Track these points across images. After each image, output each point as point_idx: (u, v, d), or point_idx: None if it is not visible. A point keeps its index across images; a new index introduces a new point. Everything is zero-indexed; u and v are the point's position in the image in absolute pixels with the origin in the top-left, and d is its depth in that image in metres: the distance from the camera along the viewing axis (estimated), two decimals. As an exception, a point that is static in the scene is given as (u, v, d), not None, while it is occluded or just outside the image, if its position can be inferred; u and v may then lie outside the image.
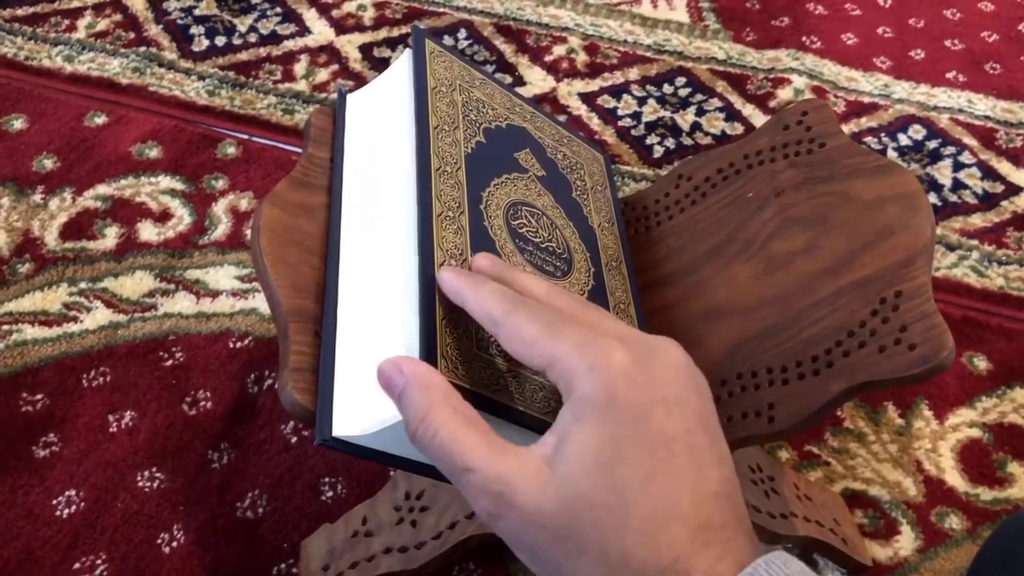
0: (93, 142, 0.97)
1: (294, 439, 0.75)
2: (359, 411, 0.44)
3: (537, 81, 1.08)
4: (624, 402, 0.32)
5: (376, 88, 0.59)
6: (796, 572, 0.31)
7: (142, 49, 1.08)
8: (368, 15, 1.15)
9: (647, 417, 0.32)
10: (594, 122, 1.03)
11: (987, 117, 1.05)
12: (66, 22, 1.11)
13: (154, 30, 1.11)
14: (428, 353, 0.41)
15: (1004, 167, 1.00)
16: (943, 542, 0.71)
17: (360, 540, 0.65)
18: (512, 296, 0.38)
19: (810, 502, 0.68)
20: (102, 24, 1.11)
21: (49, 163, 0.94)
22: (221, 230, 0.89)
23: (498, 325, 0.37)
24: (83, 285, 0.84)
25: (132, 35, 1.10)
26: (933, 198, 0.96)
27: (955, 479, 0.75)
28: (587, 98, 1.06)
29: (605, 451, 0.32)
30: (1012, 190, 0.98)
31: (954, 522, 0.72)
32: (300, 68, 1.08)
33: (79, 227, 0.89)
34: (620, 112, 1.04)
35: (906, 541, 0.71)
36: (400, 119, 0.55)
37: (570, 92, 1.06)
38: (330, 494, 0.72)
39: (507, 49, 1.12)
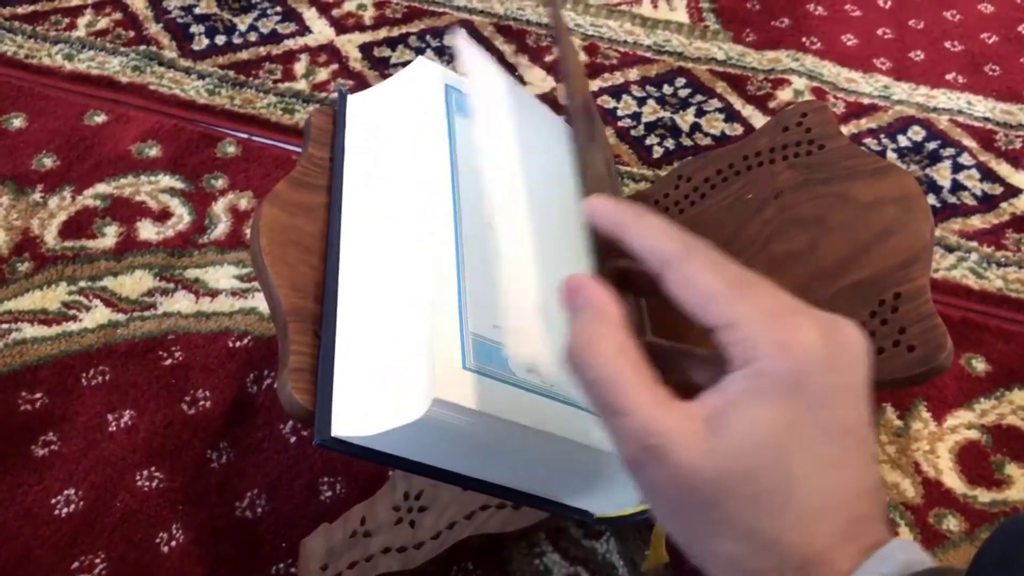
0: (93, 141, 0.97)
1: (293, 439, 0.75)
2: (358, 411, 0.44)
3: (537, 81, 1.08)
4: (812, 388, 0.31)
5: (384, 91, 0.59)
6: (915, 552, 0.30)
7: (142, 48, 1.08)
8: (368, 15, 1.15)
9: (830, 406, 0.31)
10: (594, 122, 1.03)
11: (986, 119, 1.05)
12: (66, 20, 1.11)
13: (154, 29, 1.11)
14: None
15: (1003, 169, 1.00)
16: (941, 543, 0.71)
17: (359, 540, 0.65)
18: (685, 236, 0.34)
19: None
20: (102, 23, 1.11)
21: (49, 162, 0.94)
22: (221, 229, 0.89)
23: (668, 266, 0.33)
24: (82, 284, 0.84)
25: (132, 34, 1.10)
26: (932, 199, 0.96)
27: (953, 481, 0.75)
28: (587, 98, 1.06)
29: (781, 433, 0.30)
30: (1011, 192, 0.98)
31: (952, 524, 0.72)
32: (300, 67, 1.08)
33: (79, 226, 0.89)
34: (620, 112, 1.04)
35: (903, 535, 0.71)
36: (425, 120, 0.54)
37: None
38: (329, 494, 0.72)
39: (507, 49, 1.12)
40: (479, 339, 0.45)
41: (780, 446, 0.30)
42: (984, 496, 0.74)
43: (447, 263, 0.47)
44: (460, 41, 0.52)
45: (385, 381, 0.45)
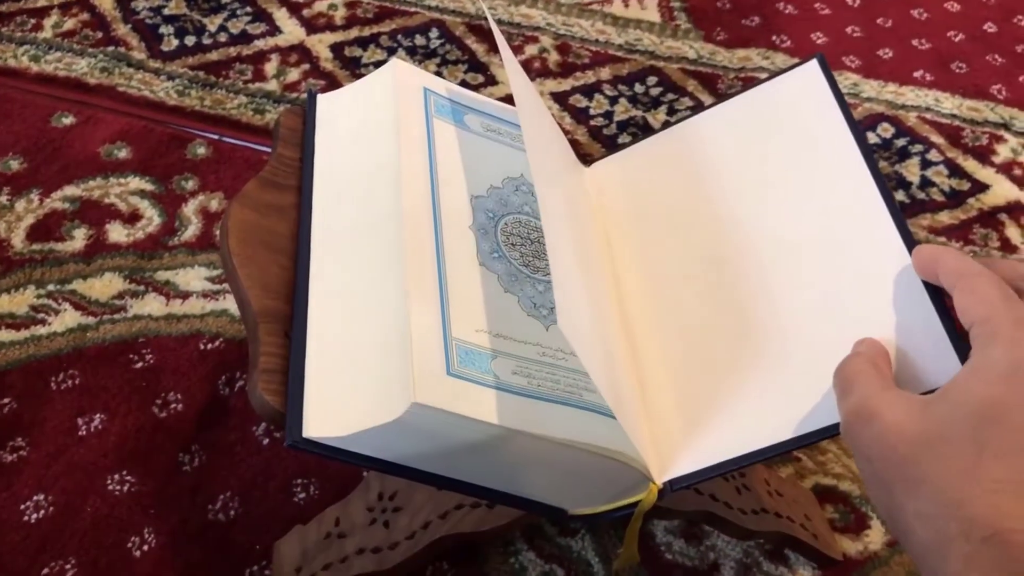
0: (61, 143, 0.96)
1: (266, 441, 0.74)
2: (329, 412, 0.44)
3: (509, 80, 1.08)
4: None
5: (356, 91, 0.59)
6: None
7: (110, 49, 1.07)
8: (339, 14, 1.15)
9: None
10: (566, 121, 1.03)
11: (954, 116, 1.06)
12: (32, 21, 1.10)
13: (122, 30, 1.10)
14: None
15: (970, 165, 1.01)
16: (912, 536, 0.72)
17: (333, 541, 0.65)
18: (983, 267, 0.40)
19: (781, 498, 0.69)
20: (69, 23, 1.10)
21: (15, 164, 0.93)
22: (191, 231, 0.89)
23: (963, 278, 0.40)
24: (51, 287, 0.83)
25: (100, 34, 1.09)
26: (901, 196, 0.97)
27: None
28: (559, 97, 1.06)
29: (989, 409, 0.34)
30: (978, 188, 0.99)
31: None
32: (271, 68, 1.07)
33: (47, 229, 0.88)
34: (592, 111, 1.05)
35: (876, 535, 0.72)
36: (388, 127, 0.54)
37: (542, 92, 1.06)
38: (303, 496, 0.72)
39: (479, 49, 1.12)
40: (462, 344, 0.45)
41: (982, 418, 0.34)
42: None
43: (427, 267, 0.47)
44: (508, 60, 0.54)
45: (359, 382, 0.45)
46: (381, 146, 0.54)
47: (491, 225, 0.52)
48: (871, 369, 0.40)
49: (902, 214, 0.48)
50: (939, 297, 0.44)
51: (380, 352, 0.45)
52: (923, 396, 0.37)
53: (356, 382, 0.44)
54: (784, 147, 0.55)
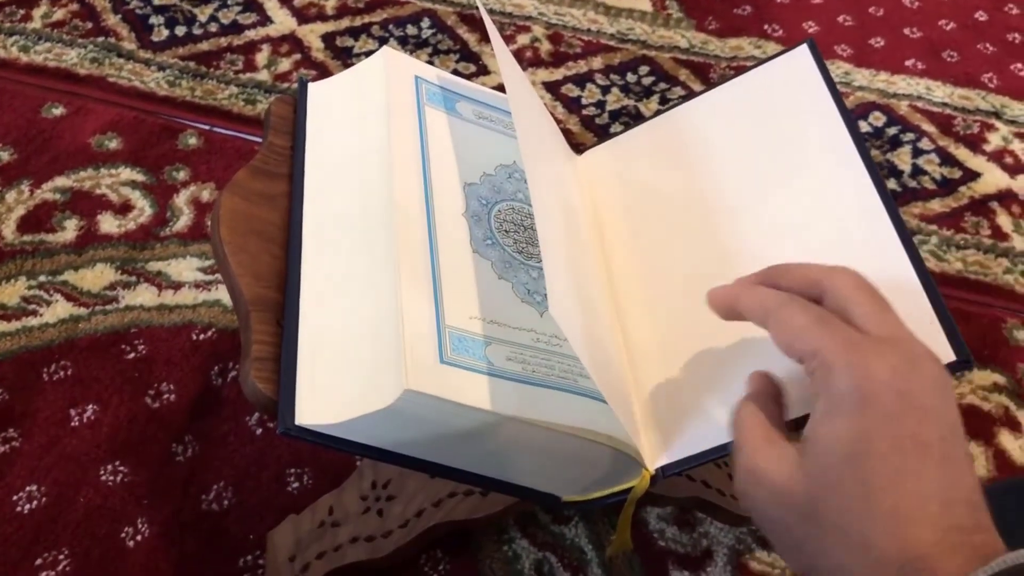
0: (51, 133, 0.95)
1: (259, 431, 0.74)
2: (322, 400, 0.44)
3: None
4: (880, 403, 0.33)
5: (347, 79, 0.59)
6: None
7: (100, 39, 1.07)
8: (330, 4, 1.14)
9: (901, 420, 0.33)
10: (558, 111, 1.03)
11: (945, 104, 1.07)
12: (21, 11, 1.09)
13: (112, 20, 1.10)
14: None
15: (962, 153, 1.01)
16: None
17: (327, 530, 0.65)
18: (785, 294, 0.39)
19: (773, 485, 0.69)
20: (59, 14, 1.10)
21: (6, 155, 0.93)
22: (183, 221, 0.88)
23: (769, 314, 0.39)
24: (42, 278, 0.83)
25: (90, 25, 1.09)
26: (893, 184, 0.98)
27: (915, 460, 0.76)
28: (551, 87, 1.06)
29: (856, 445, 0.33)
30: (969, 176, 0.99)
31: (914, 502, 0.73)
32: (262, 58, 1.07)
33: (37, 220, 0.88)
34: (584, 101, 1.05)
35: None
36: (378, 116, 0.54)
37: (534, 81, 1.06)
38: (296, 485, 0.72)
39: (471, 38, 1.11)
40: (455, 331, 0.45)
41: (855, 456, 0.33)
42: (945, 475, 0.75)
43: (419, 254, 0.47)
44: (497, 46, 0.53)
45: (351, 369, 0.45)
46: (372, 134, 0.54)
47: (484, 212, 0.52)
48: (755, 419, 0.39)
49: (892, 197, 0.48)
50: (930, 283, 0.45)
51: (372, 340, 0.45)
52: (798, 447, 0.36)
53: (348, 369, 0.44)
54: (774, 132, 0.55)
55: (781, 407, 0.41)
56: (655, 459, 0.47)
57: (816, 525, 0.34)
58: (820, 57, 0.55)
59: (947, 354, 0.43)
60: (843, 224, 0.49)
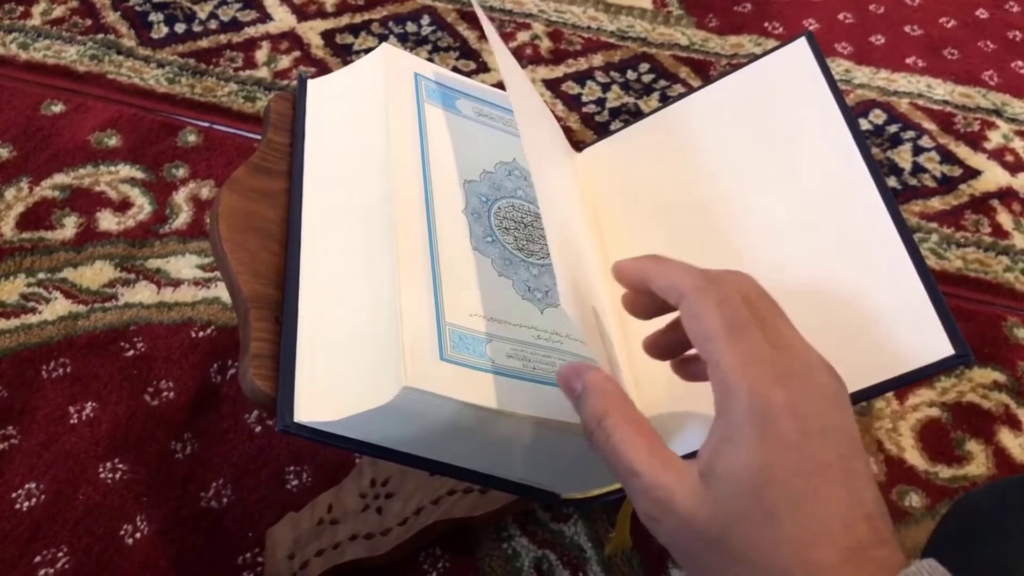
0: (50, 131, 0.95)
1: (258, 428, 0.74)
2: (321, 397, 0.44)
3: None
4: (779, 432, 0.33)
5: (346, 76, 0.59)
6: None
7: (99, 36, 1.07)
8: (330, 1, 1.14)
9: (801, 445, 0.33)
10: (558, 108, 1.03)
11: (946, 102, 1.06)
12: (20, 8, 1.09)
13: (112, 17, 1.10)
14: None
15: (962, 151, 1.01)
16: (903, 520, 0.72)
17: (326, 528, 0.65)
18: (703, 274, 0.38)
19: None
20: (58, 11, 1.10)
21: (5, 152, 0.93)
22: (182, 219, 0.88)
23: (683, 298, 0.37)
24: (41, 276, 0.83)
25: (89, 22, 1.09)
26: (893, 182, 0.97)
27: (915, 458, 0.76)
28: (551, 84, 1.06)
29: (756, 474, 0.33)
30: (970, 174, 0.99)
31: (914, 500, 0.73)
32: (261, 55, 1.06)
33: (36, 217, 0.87)
34: (584, 98, 1.04)
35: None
36: (378, 114, 0.54)
37: (534, 79, 1.06)
38: (295, 483, 0.72)
39: (471, 35, 1.11)
40: (456, 329, 0.45)
41: (756, 486, 0.33)
42: (945, 472, 0.75)
43: (419, 252, 0.47)
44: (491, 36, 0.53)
45: (350, 366, 0.44)
46: (372, 131, 0.54)
47: (484, 209, 0.52)
48: (637, 439, 0.37)
49: (892, 195, 0.48)
50: (930, 280, 0.44)
51: (371, 337, 0.45)
52: (699, 470, 0.35)
53: (347, 367, 0.44)
54: (773, 126, 0.55)
55: (636, 408, 0.38)
56: (654, 457, 0.47)
57: (723, 554, 0.34)
58: (819, 50, 0.55)
59: (946, 349, 0.43)
60: (843, 221, 0.49)
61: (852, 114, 0.52)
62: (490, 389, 0.43)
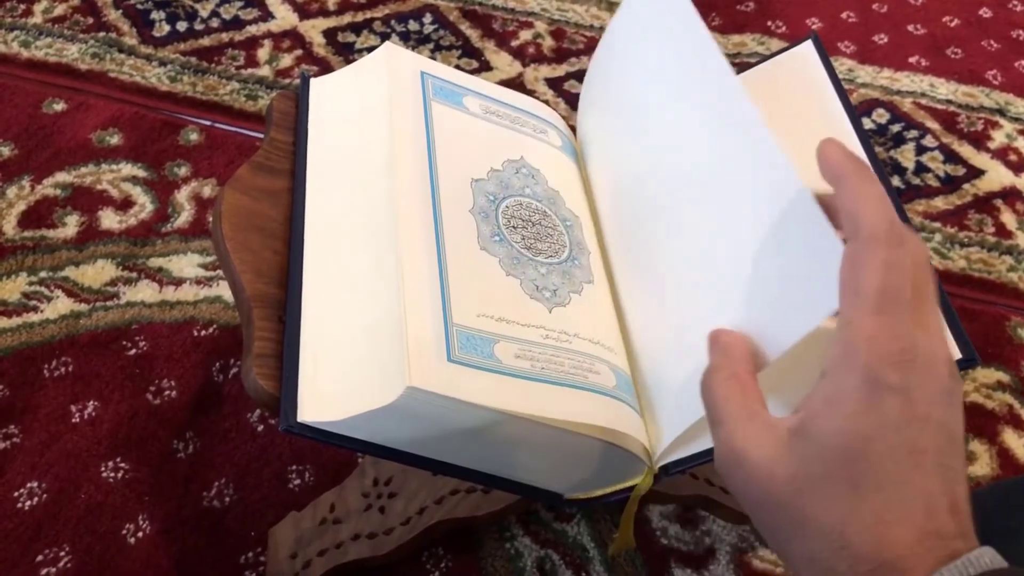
0: (52, 129, 0.95)
1: (260, 427, 0.74)
2: (324, 397, 0.43)
3: (504, 66, 1.07)
4: (884, 410, 0.33)
5: (350, 75, 0.58)
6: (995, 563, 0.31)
7: (101, 34, 1.06)
8: (332, 0, 1.14)
9: (902, 428, 0.33)
10: (561, 107, 1.03)
11: (949, 101, 1.06)
12: (22, 7, 1.09)
13: (113, 15, 1.09)
14: None
15: (966, 150, 1.01)
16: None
17: (328, 527, 0.65)
18: (891, 225, 0.34)
19: (776, 483, 0.69)
20: (59, 9, 1.09)
21: (6, 150, 0.93)
22: (184, 218, 0.88)
23: (854, 240, 0.35)
24: (43, 274, 0.83)
25: (91, 20, 1.08)
26: (897, 181, 0.97)
27: (918, 458, 0.76)
28: (554, 83, 1.06)
29: (850, 443, 0.33)
30: (973, 173, 0.99)
31: (918, 500, 0.73)
32: (263, 53, 1.06)
33: (38, 215, 0.87)
34: (587, 97, 1.04)
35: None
36: (382, 114, 0.54)
37: (537, 77, 1.06)
38: (297, 482, 0.71)
39: (473, 34, 1.11)
40: (463, 330, 0.44)
41: (848, 456, 0.33)
42: (948, 473, 0.75)
43: (425, 251, 0.47)
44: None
45: (354, 366, 0.44)
46: (374, 130, 0.53)
47: (492, 208, 0.51)
48: (734, 391, 0.37)
49: (896, 194, 0.48)
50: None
51: (375, 337, 0.44)
52: (786, 425, 0.35)
53: (351, 366, 0.44)
54: (778, 128, 0.55)
55: (754, 371, 0.39)
56: (658, 457, 0.47)
57: (795, 512, 0.34)
58: (825, 52, 0.55)
59: (953, 353, 0.42)
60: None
61: (858, 116, 0.52)
62: (497, 390, 0.43)
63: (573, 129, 0.65)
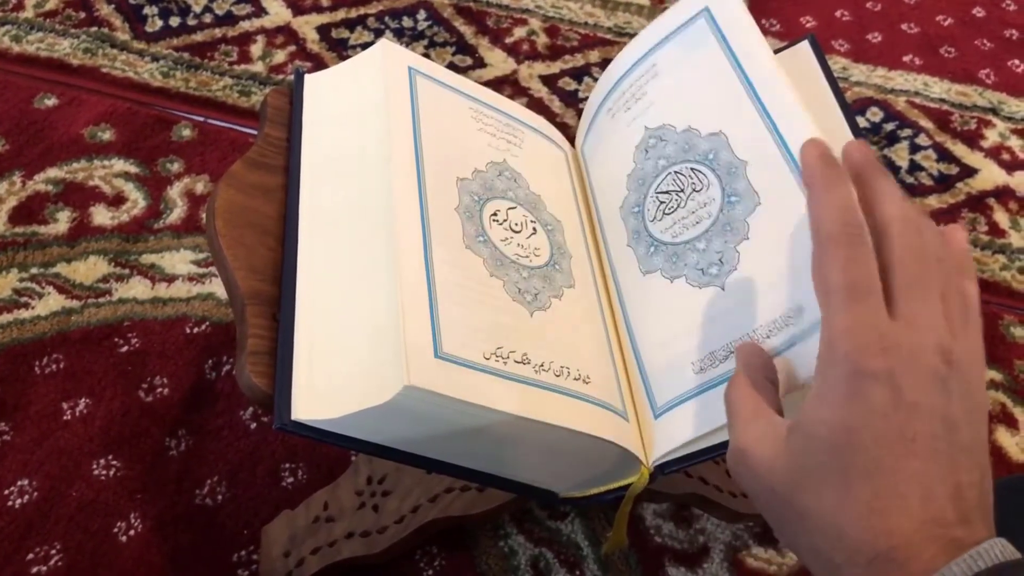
0: (43, 124, 0.94)
1: (253, 425, 0.74)
2: (319, 394, 0.43)
3: (498, 63, 1.07)
4: (869, 399, 0.33)
5: (344, 72, 0.58)
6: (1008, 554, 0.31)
7: (93, 29, 1.06)
8: (326, -4, 1.13)
9: (888, 416, 0.33)
10: (555, 104, 1.03)
11: (942, 100, 1.06)
12: (13, 1, 1.08)
13: (106, 10, 1.09)
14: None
15: (959, 149, 1.01)
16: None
17: (321, 525, 0.64)
18: (852, 222, 0.36)
19: (770, 481, 0.69)
20: (51, 3, 1.09)
21: (-3, 146, 0.92)
22: (176, 214, 0.88)
23: (816, 244, 0.37)
24: (34, 270, 0.82)
25: (83, 15, 1.08)
26: (890, 180, 0.97)
27: (912, 457, 0.76)
28: (548, 80, 1.06)
29: (837, 434, 0.34)
30: (967, 172, 0.99)
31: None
32: (256, 49, 1.06)
33: (29, 211, 0.87)
34: (581, 94, 1.04)
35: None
36: (380, 109, 0.53)
37: (531, 74, 1.06)
38: (291, 480, 0.71)
39: (467, 31, 1.11)
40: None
41: (836, 446, 0.34)
42: (942, 471, 0.75)
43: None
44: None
45: (349, 364, 0.44)
46: (369, 127, 0.53)
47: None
48: (747, 395, 0.39)
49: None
50: None
51: (370, 334, 0.44)
52: (787, 425, 0.36)
53: (346, 364, 0.44)
54: None
55: (772, 379, 0.41)
56: (653, 456, 0.47)
57: (796, 506, 0.35)
58: (821, 53, 0.55)
59: None
60: None
61: (854, 116, 0.52)
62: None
63: (565, 129, 0.64)
